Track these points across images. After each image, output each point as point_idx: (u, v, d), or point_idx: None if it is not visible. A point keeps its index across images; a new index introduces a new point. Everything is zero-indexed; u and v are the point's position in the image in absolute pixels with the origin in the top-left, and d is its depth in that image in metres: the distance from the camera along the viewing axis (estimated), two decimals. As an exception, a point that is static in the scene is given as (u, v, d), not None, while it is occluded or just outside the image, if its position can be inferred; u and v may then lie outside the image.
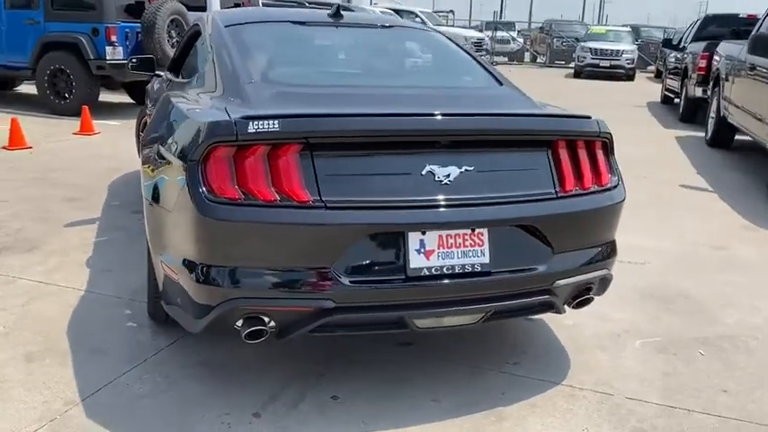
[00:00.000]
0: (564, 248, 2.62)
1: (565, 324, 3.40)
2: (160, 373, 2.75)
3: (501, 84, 3.21)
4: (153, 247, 2.80)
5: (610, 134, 2.78)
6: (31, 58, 9.28)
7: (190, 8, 9.83)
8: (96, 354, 2.88)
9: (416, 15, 21.10)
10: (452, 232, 2.44)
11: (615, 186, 2.79)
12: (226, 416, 2.47)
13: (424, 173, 2.41)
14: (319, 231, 2.29)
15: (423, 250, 2.40)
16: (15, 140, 7.11)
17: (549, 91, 15.81)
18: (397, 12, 20.35)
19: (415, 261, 2.39)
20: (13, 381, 2.65)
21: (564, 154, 2.65)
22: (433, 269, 2.41)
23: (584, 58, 21.40)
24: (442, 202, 2.41)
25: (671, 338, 3.32)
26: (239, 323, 2.37)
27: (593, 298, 2.83)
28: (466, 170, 2.46)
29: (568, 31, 27.38)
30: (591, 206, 2.67)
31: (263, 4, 13.44)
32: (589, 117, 2.74)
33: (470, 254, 2.46)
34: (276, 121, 2.29)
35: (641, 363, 3.06)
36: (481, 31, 27.87)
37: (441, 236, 2.42)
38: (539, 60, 28.23)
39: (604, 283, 2.86)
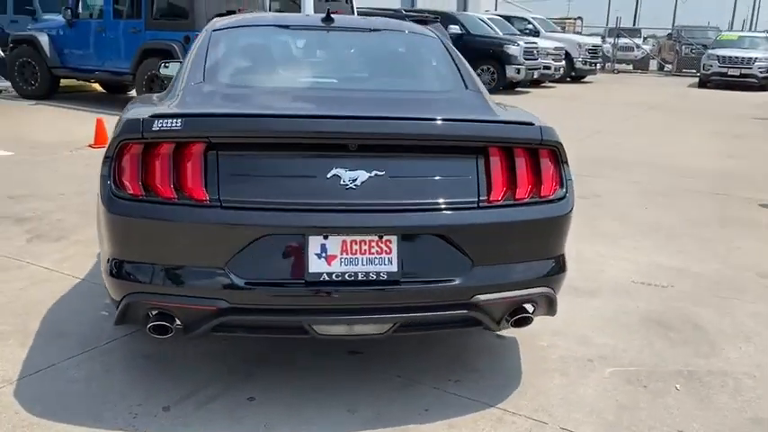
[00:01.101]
0: (487, 261, 2.47)
1: (538, 344, 3.20)
2: (102, 361, 2.87)
3: (467, 88, 3.06)
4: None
5: (557, 143, 2.58)
6: (133, 64, 10.02)
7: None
8: (57, 338, 3.06)
9: (528, 22, 20.61)
10: (357, 238, 2.36)
11: (561, 198, 2.59)
12: (137, 407, 2.54)
13: (329, 176, 2.35)
14: (212, 230, 2.31)
15: (324, 255, 2.35)
16: (100, 139, 7.70)
17: (658, 101, 14.94)
18: (508, 18, 20.01)
19: (315, 266, 2.34)
20: (-28, 356, 2.87)
21: (496, 162, 2.49)
22: (334, 275, 2.34)
23: (711, 66, 19.95)
24: (347, 207, 2.34)
25: (651, 369, 3.02)
26: (146, 318, 2.43)
27: (531, 318, 2.63)
28: (376, 175, 2.38)
29: (700, 38, 25.64)
30: (523, 217, 2.49)
31: (359, 13, 13.70)
32: (531, 124, 2.56)
33: (377, 261, 2.37)
34: (179, 120, 2.33)
35: (600, 393, 2.81)
36: (603, 38, 26.73)
37: (344, 241, 2.36)
38: (666, 69, 26.65)
39: (548, 302, 2.65)
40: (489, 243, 2.47)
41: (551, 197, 2.57)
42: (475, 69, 12.53)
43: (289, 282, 2.34)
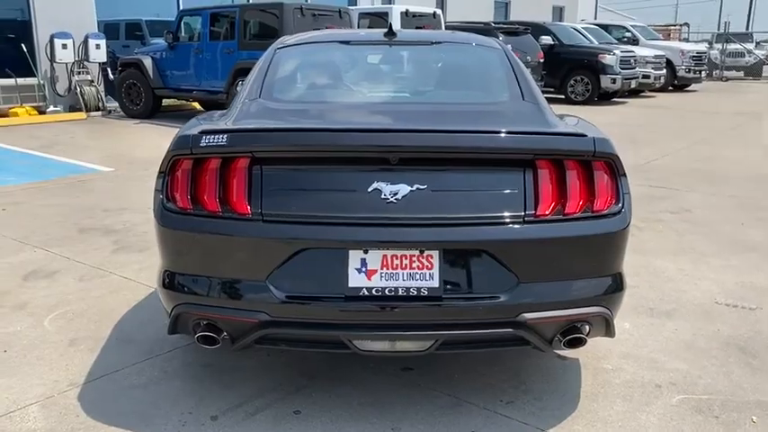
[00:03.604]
0: (534, 278, 2.37)
1: (602, 367, 3.04)
2: (162, 368, 2.98)
3: (523, 99, 2.97)
4: None
5: (612, 154, 2.45)
6: (226, 83, 10.46)
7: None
8: (125, 344, 3.20)
9: (627, 30, 19.88)
10: (398, 253, 2.33)
11: (616, 213, 2.45)
12: (188, 414, 2.61)
13: (370, 190, 2.34)
14: (253, 244, 2.34)
15: (364, 269, 2.33)
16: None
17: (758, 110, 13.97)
18: (605, 27, 19.40)
19: (355, 280, 2.33)
20: (45, 359, 3.04)
21: (545, 174, 2.39)
22: (374, 290, 2.32)
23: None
24: (387, 221, 2.32)
25: (726, 399, 2.79)
26: (195, 328, 2.49)
27: (584, 339, 2.49)
28: (418, 189, 2.34)
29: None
30: (573, 233, 2.37)
31: (448, 27, 13.67)
32: (583, 135, 2.44)
33: (418, 276, 2.33)
34: (225, 136, 2.39)
35: (664, 422, 2.62)
36: (710, 44, 25.38)
37: (385, 256, 2.33)
38: (783, 75, 24.94)
39: (603, 323, 2.51)
40: (536, 259, 2.37)
41: (605, 212, 2.44)
42: (567, 80, 12.25)
43: (328, 296, 2.34)
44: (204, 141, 2.40)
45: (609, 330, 2.56)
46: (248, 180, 2.39)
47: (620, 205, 2.47)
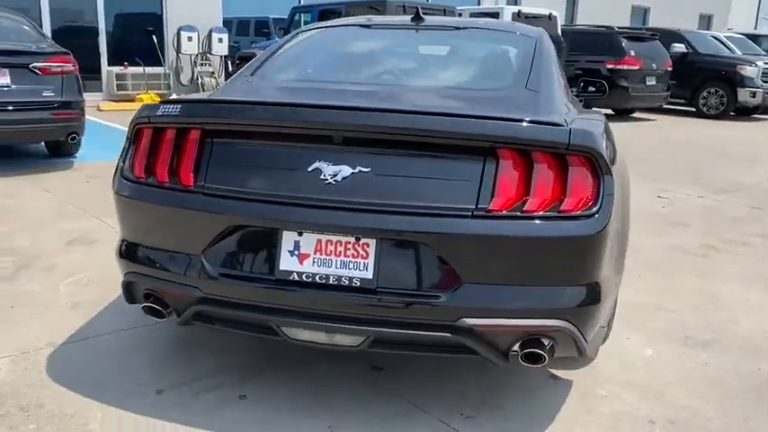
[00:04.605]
0: (480, 279, 2.13)
1: (595, 393, 2.70)
2: (142, 338, 2.99)
3: (525, 87, 2.69)
4: None
5: (591, 149, 2.15)
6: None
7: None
8: (118, 313, 3.26)
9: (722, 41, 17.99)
10: (333, 238, 2.18)
11: (590, 215, 2.14)
12: (137, 386, 2.60)
13: (310, 170, 2.20)
14: (191, 217, 2.28)
15: (297, 253, 2.20)
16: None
17: None
18: (754, 37, 17.74)
19: (287, 263, 2.20)
20: (41, 318, 3.16)
21: (507, 166, 2.14)
22: (304, 275, 2.19)
23: None
24: (324, 204, 2.17)
25: (731, 446, 2.38)
26: (144, 298, 2.48)
27: (543, 356, 2.20)
28: (360, 171, 2.18)
29: None
30: (529, 233, 2.10)
31: (566, 32, 13.12)
32: (557, 124, 2.16)
33: (351, 265, 2.17)
34: (178, 107, 2.36)
35: (638, 461, 2.27)
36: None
37: (319, 240, 2.19)
38: None
39: (568, 340, 2.21)
40: (484, 259, 2.12)
41: (577, 213, 2.14)
42: (700, 92, 11.45)
43: (258, 277, 2.23)
44: (161, 111, 2.37)
45: (577, 350, 2.25)
46: (197, 152, 2.33)
47: (596, 207, 2.16)
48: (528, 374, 2.81)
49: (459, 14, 11.93)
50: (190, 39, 12.73)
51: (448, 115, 2.16)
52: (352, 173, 2.17)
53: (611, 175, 2.21)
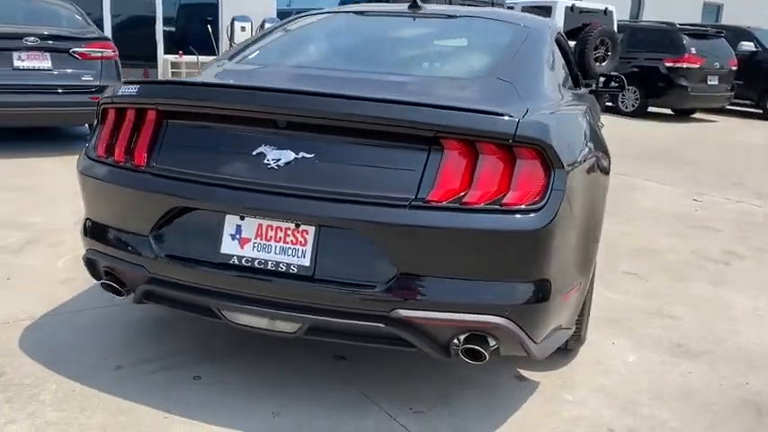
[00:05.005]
0: (417, 272, 2.07)
1: (560, 396, 2.60)
2: (119, 316, 3.05)
3: (497, 77, 2.58)
4: None
5: (540, 141, 2.05)
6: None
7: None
8: (104, 291, 3.33)
9: None
10: (273, 224, 2.16)
11: (536, 210, 2.05)
12: (98, 360, 2.65)
13: (254, 153, 2.19)
14: (139, 197, 2.30)
15: (238, 237, 2.20)
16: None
17: None
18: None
19: (228, 247, 2.20)
20: (31, 291, 3.27)
21: (451, 156, 2.07)
22: (244, 259, 2.18)
23: None
24: (265, 189, 2.15)
25: (689, 461, 2.25)
26: (104, 276, 2.52)
27: (483, 353, 2.13)
28: (303, 157, 2.15)
29: None
30: (468, 225, 2.03)
31: (622, 28, 12.76)
32: (504, 115, 2.07)
33: (290, 252, 2.15)
34: (136, 87, 2.38)
35: (582, 470, 2.17)
36: None
37: (260, 225, 2.18)
38: None
39: (510, 338, 2.12)
40: (420, 250, 2.06)
41: (521, 207, 2.06)
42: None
43: (201, 260, 2.23)
44: (121, 91, 2.41)
45: (520, 348, 2.17)
46: (152, 133, 2.35)
47: (543, 202, 2.07)
48: (494, 373, 2.73)
49: (511, 7, 11.70)
50: (243, 29, 12.94)
51: (390, 102, 2.10)
52: (295, 158, 2.15)
53: (564, 169, 2.11)
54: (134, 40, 12.10)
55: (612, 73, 4.61)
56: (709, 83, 12.58)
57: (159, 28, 12.72)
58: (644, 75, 13.17)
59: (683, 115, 13.48)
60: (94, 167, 2.45)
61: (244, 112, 2.22)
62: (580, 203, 2.32)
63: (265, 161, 2.17)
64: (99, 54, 6.65)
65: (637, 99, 13.43)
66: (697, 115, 13.66)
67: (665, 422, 2.47)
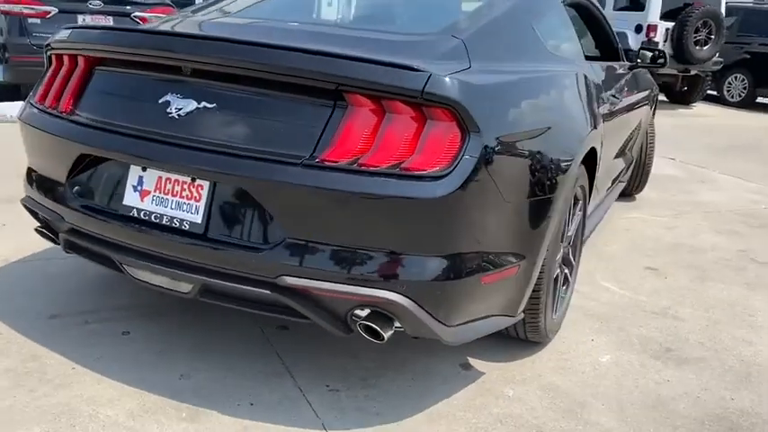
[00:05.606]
0: (306, 237, 1.91)
1: (498, 391, 2.36)
2: (85, 266, 3.06)
3: (443, 33, 2.31)
4: None
5: (452, 100, 1.83)
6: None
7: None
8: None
9: None
10: (172, 176, 2.06)
11: (441, 176, 1.83)
12: (41, 306, 2.67)
13: (160, 102, 2.08)
14: (54, 142, 2.26)
15: (139, 188, 2.11)
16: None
17: None
18: None
19: (130, 198, 2.12)
20: (22, 239, 3.35)
21: (354, 113, 1.88)
22: (143, 212, 2.09)
23: None
24: (166, 139, 2.04)
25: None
26: (40, 223, 2.52)
27: (378, 331, 1.94)
28: (205, 107, 2.02)
29: None
30: (361, 189, 1.83)
31: (731, 9, 11.74)
32: (414, 69, 1.85)
33: (184, 207, 2.04)
34: (68, 32, 2.34)
35: (484, 472, 1.94)
36: None
37: (160, 177, 2.08)
38: None
39: (406, 316, 1.92)
40: (310, 214, 1.89)
41: (424, 172, 1.84)
42: None
43: (106, 211, 2.17)
44: (59, 36, 2.38)
45: (416, 328, 1.96)
46: (80, 80, 2.31)
47: (449, 169, 1.84)
48: (439, 358, 2.51)
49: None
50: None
51: (289, 50, 1.93)
52: (197, 108, 2.03)
53: (481, 134, 1.87)
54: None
55: (654, 47, 4.16)
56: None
57: None
58: (756, 62, 12.09)
59: (799, 107, 12.26)
60: (30, 113, 2.43)
61: (152, 59, 2.11)
62: (518, 178, 2.06)
63: (168, 110, 2.06)
64: (160, 19, 6.80)
65: (744, 88, 12.35)
66: (816, 108, 12.38)
67: (610, 431, 2.18)
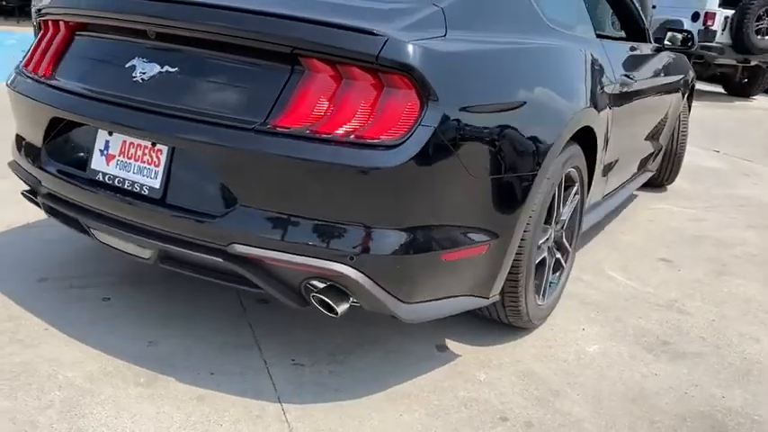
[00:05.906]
0: (258, 205, 1.87)
1: (472, 375, 2.28)
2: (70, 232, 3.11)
3: (433, 3, 2.21)
4: None
5: (409, 66, 1.75)
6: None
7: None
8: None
9: None
10: (135, 141, 2.05)
11: (394, 146, 1.76)
12: (30, 272, 2.71)
13: (127, 66, 2.07)
14: (30, 106, 2.29)
15: (105, 152, 2.11)
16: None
17: None
18: None
19: (96, 163, 2.13)
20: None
21: (309, 78, 1.83)
22: (107, 176, 2.09)
23: None
24: (130, 103, 2.03)
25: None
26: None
27: (331, 305, 1.89)
28: (167, 71, 2.00)
29: None
30: (311, 156, 1.77)
31: None
32: (370, 32, 1.78)
33: (145, 172, 2.02)
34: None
35: (433, 455, 1.87)
36: None
37: (124, 142, 2.07)
38: None
39: (360, 291, 1.86)
40: (261, 181, 1.85)
41: (377, 141, 1.77)
42: None
43: (75, 174, 2.18)
44: (47, 3, 2.40)
45: (370, 301, 1.90)
46: (61, 44, 2.32)
47: (403, 138, 1.76)
48: (414, 339, 2.45)
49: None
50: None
51: (245, 12, 1.88)
52: (159, 72, 2.01)
53: (439, 103, 1.79)
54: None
55: (681, 27, 3.96)
56: None
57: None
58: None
59: None
60: (16, 79, 2.46)
61: (119, 23, 2.11)
62: (485, 152, 1.97)
63: (133, 74, 2.04)
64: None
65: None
66: None
67: (579, 422, 2.07)
